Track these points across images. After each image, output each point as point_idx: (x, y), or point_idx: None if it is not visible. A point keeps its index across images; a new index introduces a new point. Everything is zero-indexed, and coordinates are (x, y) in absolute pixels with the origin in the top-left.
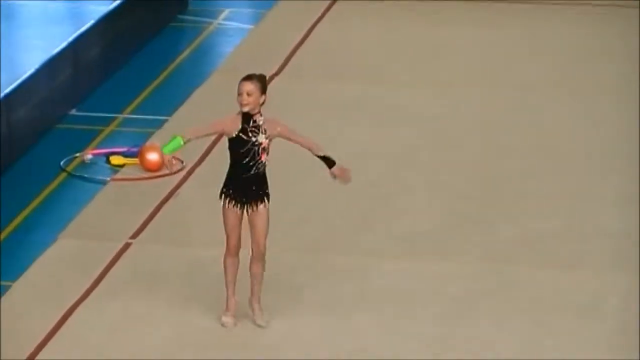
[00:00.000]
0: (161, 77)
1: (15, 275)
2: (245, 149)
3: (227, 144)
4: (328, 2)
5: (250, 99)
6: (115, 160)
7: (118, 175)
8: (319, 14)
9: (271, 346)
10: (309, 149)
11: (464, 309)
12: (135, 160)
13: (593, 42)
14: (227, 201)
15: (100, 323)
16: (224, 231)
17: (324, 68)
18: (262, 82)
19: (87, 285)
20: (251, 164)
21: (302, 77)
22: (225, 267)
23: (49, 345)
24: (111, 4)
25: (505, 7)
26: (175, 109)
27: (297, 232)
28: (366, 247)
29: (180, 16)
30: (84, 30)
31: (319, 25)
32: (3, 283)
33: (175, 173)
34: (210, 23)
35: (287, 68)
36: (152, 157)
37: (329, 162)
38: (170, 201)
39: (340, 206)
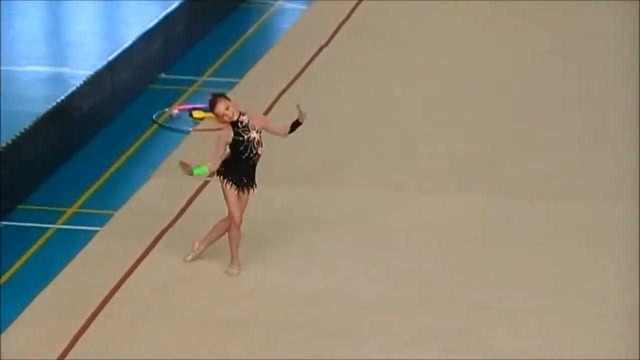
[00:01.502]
0: (233, 48)
1: (117, 205)
2: (243, 147)
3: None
4: None
5: (229, 112)
6: (197, 114)
7: (199, 127)
8: None
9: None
10: (281, 135)
11: (477, 236)
12: (213, 114)
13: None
14: (228, 184)
15: (183, 243)
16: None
17: (362, 41)
18: (222, 95)
19: (174, 216)
20: (249, 157)
21: (346, 48)
22: (231, 236)
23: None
24: None
25: None
26: (244, 73)
27: (342, 170)
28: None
29: None
30: (172, 9)
31: (361, 5)
32: (107, 212)
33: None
34: (273, 4)
35: (333, 41)
36: None
37: (295, 123)
38: None
39: (375, 147)
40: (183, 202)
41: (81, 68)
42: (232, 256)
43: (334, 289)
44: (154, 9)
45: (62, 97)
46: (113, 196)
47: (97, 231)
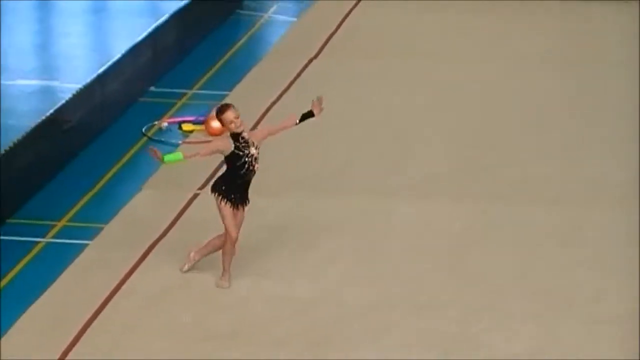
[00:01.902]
0: (223, 60)
1: (107, 218)
2: (241, 162)
3: (223, 159)
4: None
5: (237, 121)
6: (186, 127)
7: (188, 139)
8: (349, 8)
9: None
10: (292, 126)
11: (470, 239)
12: (202, 127)
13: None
14: (223, 201)
15: (175, 255)
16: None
17: (352, 51)
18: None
19: (164, 228)
20: (246, 173)
21: (335, 59)
22: (225, 251)
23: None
24: (183, 1)
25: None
26: (234, 85)
27: (335, 178)
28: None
29: (237, 10)
30: (161, 21)
31: (349, 17)
32: (97, 225)
33: None
34: (262, 16)
35: (322, 53)
36: (216, 124)
37: (308, 113)
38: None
39: (370, 154)
40: (174, 214)
41: (71, 81)
42: (223, 269)
43: (327, 296)
44: (144, 21)
45: (52, 110)
46: (103, 209)
47: (88, 244)
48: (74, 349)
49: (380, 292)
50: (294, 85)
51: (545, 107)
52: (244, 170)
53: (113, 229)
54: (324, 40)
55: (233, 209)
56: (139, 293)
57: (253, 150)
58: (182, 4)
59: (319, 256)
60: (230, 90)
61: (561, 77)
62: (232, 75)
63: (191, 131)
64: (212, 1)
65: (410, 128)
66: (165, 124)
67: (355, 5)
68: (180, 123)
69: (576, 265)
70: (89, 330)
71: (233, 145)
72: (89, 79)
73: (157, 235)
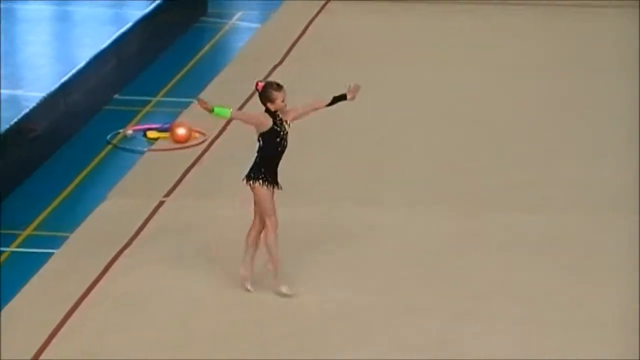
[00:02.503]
0: (187, 68)
1: (72, 227)
2: (279, 139)
3: (257, 137)
4: (322, 2)
5: (283, 104)
6: (151, 134)
7: (153, 147)
8: (314, 14)
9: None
10: (322, 107)
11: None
12: (167, 134)
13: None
14: (265, 185)
15: (141, 263)
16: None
17: (317, 57)
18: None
19: (129, 236)
20: (281, 150)
21: (300, 65)
22: (272, 244)
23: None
24: (146, 8)
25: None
26: (198, 93)
27: (319, 184)
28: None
29: (201, 18)
30: (125, 30)
31: (313, 23)
32: (62, 234)
33: (199, 144)
34: (226, 23)
35: (287, 58)
36: (181, 131)
37: (341, 97)
38: (196, 167)
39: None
40: (140, 222)
41: (35, 90)
42: (275, 271)
43: (308, 302)
44: (108, 29)
45: (16, 119)
46: (68, 218)
47: (53, 254)
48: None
49: (363, 297)
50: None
51: (537, 111)
52: (280, 147)
53: (79, 238)
54: (288, 46)
55: (271, 190)
56: (104, 303)
57: (287, 128)
58: (146, 11)
59: (299, 263)
60: (195, 97)
61: (553, 81)
62: (197, 83)
63: (156, 138)
64: (177, 9)
65: (385, 136)
66: (130, 132)
67: (320, 10)
68: (144, 131)
69: (561, 269)
70: (55, 339)
71: (272, 121)
72: (53, 87)
73: (123, 244)
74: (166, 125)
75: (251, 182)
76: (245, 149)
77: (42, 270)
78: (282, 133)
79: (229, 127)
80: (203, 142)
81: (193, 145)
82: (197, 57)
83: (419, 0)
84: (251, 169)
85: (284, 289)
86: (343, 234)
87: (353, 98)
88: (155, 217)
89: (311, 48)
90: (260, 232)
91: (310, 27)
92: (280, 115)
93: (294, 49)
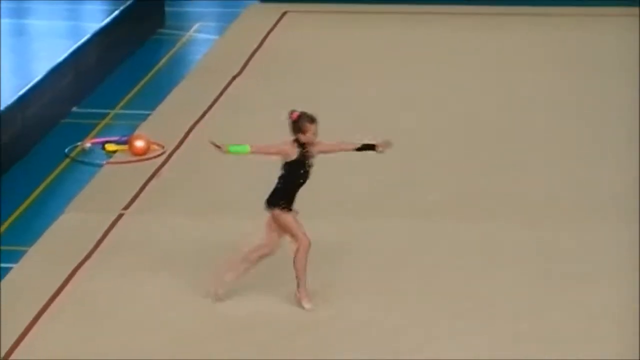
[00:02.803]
0: (145, 80)
1: (31, 241)
2: (303, 170)
3: (281, 166)
4: (280, 13)
5: (315, 137)
6: (110, 147)
7: (112, 160)
8: (272, 25)
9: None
10: (349, 150)
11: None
12: (126, 147)
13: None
14: (284, 212)
15: (101, 276)
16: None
17: (276, 68)
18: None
19: (89, 249)
20: (303, 181)
21: (258, 77)
22: (300, 268)
23: (64, 294)
24: (103, 21)
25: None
26: (157, 105)
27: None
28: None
29: (159, 30)
30: (82, 43)
31: (271, 34)
32: (21, 248)
33: (157, 157)
34: (184, 35)
35: (245, 70)
36: (139, 144)
37: (370, 146)
38: (154, 179)
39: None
40: (98, 235)
41: None
42: (298, 286)
43: (285, 314)
44: (64, 42)
45: None
46: (27, 232)
47: (11, 268)
48: None
49: (331, 308)
50: (217, 104)
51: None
52: (303, 178)
53: (38, 252)
54: (247, 57)
55: (294, 215)
56: (65, 314)
57: (312, 162)
58: (103, 24)
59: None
60: (152, 110)
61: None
62: (155, 95)
63: (115, 151)
64: (134, 21)
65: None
66: (88, 145)
67: (278, 22)
68: (103, 144)
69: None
70: (14, 354)
71: (298, 153)
72: (9, 101)
73: (82, 257)
74: (124, 138)
75: (274, 208)
76: (203, 162)
77: (0, 284)
78: (307, 165)
79: (186, 140)
80: (161, 154)
81: (151, 158)
82: (155, 69)
83: (384, 13)
84: (271, 195)
85: (307, 306)
86: (319, 247)
87: (381, 152)
88: (115, 229)
89: (270, 59)
90: (264, 257)
91: (268, 39)
92: (308, 148)
93: (253, 59)
